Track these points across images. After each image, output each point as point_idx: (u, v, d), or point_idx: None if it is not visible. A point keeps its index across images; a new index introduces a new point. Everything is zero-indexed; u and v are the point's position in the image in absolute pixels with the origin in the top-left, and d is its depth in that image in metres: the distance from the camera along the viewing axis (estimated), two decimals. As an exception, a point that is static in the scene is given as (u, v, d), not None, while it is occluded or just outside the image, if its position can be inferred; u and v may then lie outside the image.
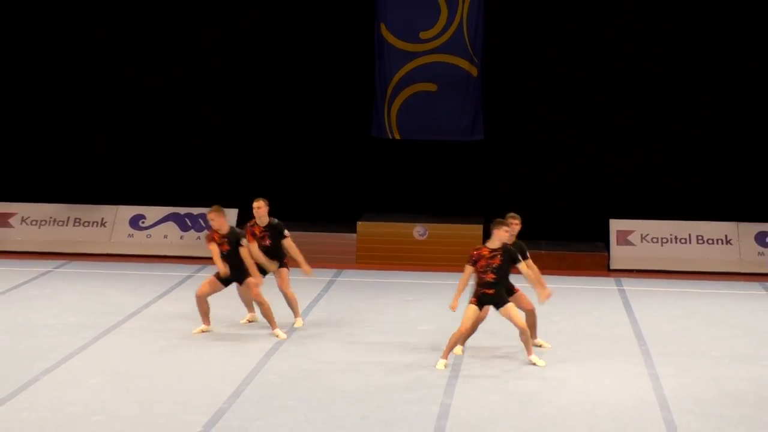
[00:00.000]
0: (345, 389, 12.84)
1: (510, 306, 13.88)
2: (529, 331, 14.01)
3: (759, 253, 20.44)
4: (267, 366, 13.69)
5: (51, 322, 15.64)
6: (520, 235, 14.40)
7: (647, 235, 20.71)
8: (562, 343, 15.09)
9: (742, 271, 19.16)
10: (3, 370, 13.21)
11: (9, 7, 22.10)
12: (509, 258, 13.83)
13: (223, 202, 21.22)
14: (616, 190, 21.41)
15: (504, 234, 13.79)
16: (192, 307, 15.96)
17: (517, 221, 14.45)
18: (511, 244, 14.13)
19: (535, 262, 20.21)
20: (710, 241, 19.04)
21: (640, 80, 21.39)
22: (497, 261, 13.72)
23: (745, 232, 20.31)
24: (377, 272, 19.79)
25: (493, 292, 13.79)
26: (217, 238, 14.85)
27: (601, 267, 20.56)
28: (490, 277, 13.73)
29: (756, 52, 21.25)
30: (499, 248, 13.76)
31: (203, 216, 21.24)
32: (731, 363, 14.31)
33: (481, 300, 13.85)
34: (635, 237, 20.89)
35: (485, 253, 13.78)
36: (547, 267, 20.18)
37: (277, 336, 14.85)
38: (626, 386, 13.20)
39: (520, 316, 14.04)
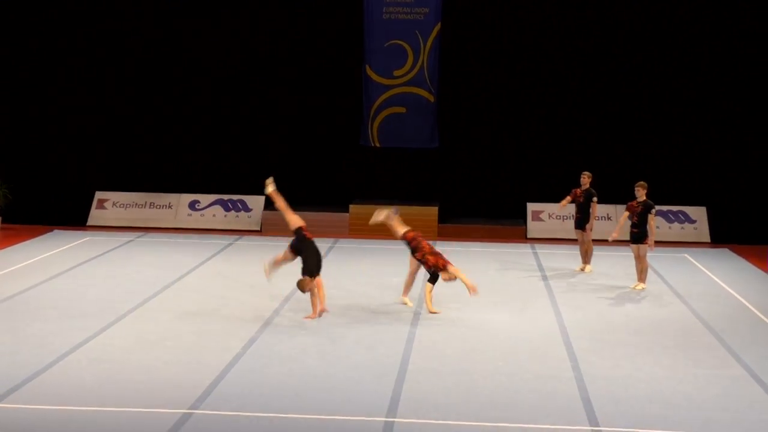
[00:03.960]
0: (341, 321, 12.88)
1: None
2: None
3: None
4: (286, 306, 13.70)
5: (133, 276, 15.62)
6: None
7: (553, 214, 20.75)
8: (495, 289, 15.07)
9: (619, 239, 19.22)
10: (99, 310, 13.21)
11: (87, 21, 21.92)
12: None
13: (253, 190, 21.16)
14: (532, 182, 21.37)
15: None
16: (231, 265, 15.92)
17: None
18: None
19: (474, 233, 20.36)
20: (597, 218, 18.99)
21: (547, 96, 21.25)
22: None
23: (621, 211, 20.12)
24: (364, 240, 19.70)
25: (637, 231, 15.12)
26: None
27: (521, 236, 20.55)
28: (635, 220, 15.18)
29: (649, 55, 20.93)
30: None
31: (242, 201, 21.30)
32: (613, 302, 14.39)
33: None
34: (545, 215, 20.90)
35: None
36: (483, 236, 20.38)
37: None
38: (537, 319, 13.29)
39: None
